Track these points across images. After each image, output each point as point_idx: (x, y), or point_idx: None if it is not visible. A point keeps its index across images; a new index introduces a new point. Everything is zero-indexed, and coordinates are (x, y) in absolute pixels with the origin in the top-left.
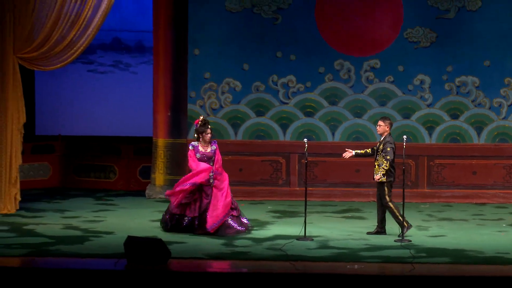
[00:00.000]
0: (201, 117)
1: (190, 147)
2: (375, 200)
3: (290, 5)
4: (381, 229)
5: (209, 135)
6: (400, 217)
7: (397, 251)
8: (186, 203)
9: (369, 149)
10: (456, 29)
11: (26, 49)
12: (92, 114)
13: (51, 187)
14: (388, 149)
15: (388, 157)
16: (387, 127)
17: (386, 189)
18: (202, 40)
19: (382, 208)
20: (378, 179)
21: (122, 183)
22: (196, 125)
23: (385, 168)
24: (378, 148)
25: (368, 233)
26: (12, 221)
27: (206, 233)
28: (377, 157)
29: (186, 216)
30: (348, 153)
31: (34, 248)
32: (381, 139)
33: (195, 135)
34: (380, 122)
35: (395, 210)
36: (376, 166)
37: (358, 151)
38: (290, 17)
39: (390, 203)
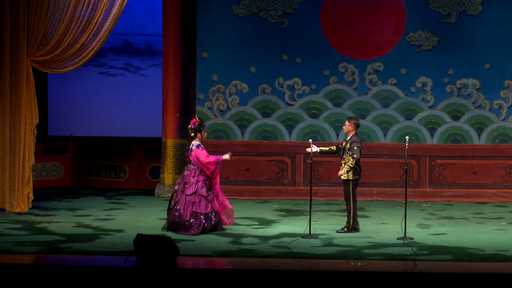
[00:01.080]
0: (197, 117)
1: (200, 147)
2: (378, 199)
3: (296, 9)
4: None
5: (205, 134)
6: (354, 219)
7: (399, 249)
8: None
9: (334, 147)
10: (457, 33)
11: (40, 52)
12: (103, 116)
13: (63, 186)
14: (355, 148)
15: (355, 156)
16: (351, 127)
17: (351, 187)
18: (210, 44)
19: (348, 206)
20: (341, 175)
21: (132, 182)
22: (194, 125)
23: (350, 165)
24: (344, 147)
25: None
26: (25, 219)
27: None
28: (344, 155)
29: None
30: (313, 148)
31: (47, 246)
32: (348, 138)
33: (192, 134)
34: (346, 122)
35: (354, 209)
36: (343, 164)
37: (323, 148)
38: (296, 21)
39: (352, 201)
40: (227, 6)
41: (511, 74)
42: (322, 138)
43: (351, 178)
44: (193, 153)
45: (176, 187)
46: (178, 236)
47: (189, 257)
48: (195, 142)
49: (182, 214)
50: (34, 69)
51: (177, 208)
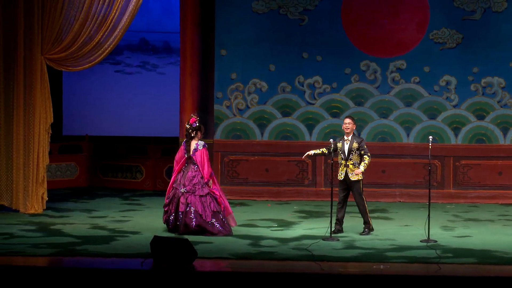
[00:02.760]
0: (196, 116)
1: (206, 146)
2: (401, 200)
3: (316, 6)
4: (341, 227)
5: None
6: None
7: (423, 252)
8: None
9: (325, 149)
10: (482, 30)
11: (54, 50)
12: (119, 115)
13: (78, 187)
14: (365, 146)
15: (369, 154)
16: (354, 126)
17: (361, 186)
18: (229, 41)
19: (345, 207)
20: (358, 174)
21: (149, 183)
22: (195, 124)
23: (368, 164)
24: (351, 148)
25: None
26: (39, 220)
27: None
28: (350, 156)
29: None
30: (308, 153)
31: (61, 248)
32: (348, 137)
33: (193, 134)
34: (350, 120)
35: (366, 207)
36: (350, 166)
37: (316, 151)
38: (316, 18)
39: (365, 201)
40: (246, 3)
41: None
42: None
43: (361, 177)
44: (198, 154)
45: (183, 189)
46: (196, 238)
47: (207, 260)
48: (199, 142)
49: (202, 216)
50: (48, 67)
51: (191, 210)
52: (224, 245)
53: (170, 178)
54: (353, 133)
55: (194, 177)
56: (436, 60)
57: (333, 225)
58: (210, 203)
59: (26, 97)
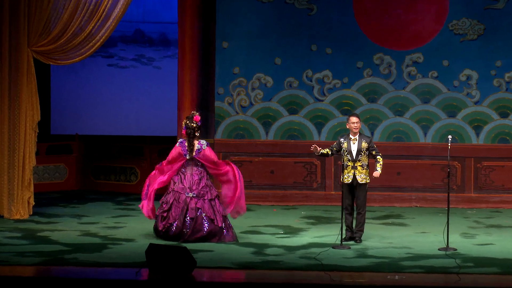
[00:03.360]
0: (198, 113)
1: (209, 145)
2: (418, 205)
3: None
4: (353, 234)
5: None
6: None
7: (441, 261)
8: None
9: (328, 150)
10: (506, 21)
11: (42, 42)
12: (112, 112)
13: (68, 191)
14: (375, 145)
15: (380, 153)
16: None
17: (366, 190)
18: (231, 33)
19: (357, 211)
20: (363, 180)
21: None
22: (200, 122)
23: (382, 164)
24: (359, 148)
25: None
26: (25, 227)
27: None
28: (359, 157)
29: None
30: (317, 149)
31: (49, 257)
32: (355, 137)
33: (197, 133)
34: (358, 119)
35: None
36: (359, 168)
37: (323, 151)
38: (326, 8)
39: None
40: None
41: None
42: None
43: (369, 180)
44: (207, 154)
45: (191, 194)
46: (195, 246)
47: (207, 269)
48: (202, 141)
49: (214, 221)
50: (35, 61)
51: (202, 215)
52: (225, 253)
53: None
54: (359, 132)
55: (200, 180)
56: (455, 53)
57: (344, 231)
58: (219, 206)
59: (11, 93)
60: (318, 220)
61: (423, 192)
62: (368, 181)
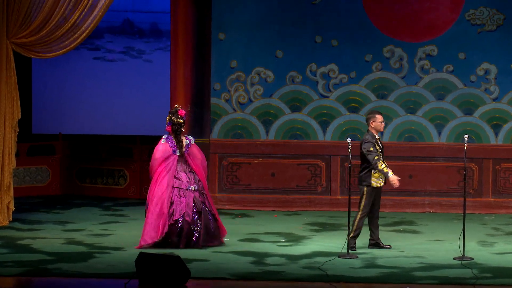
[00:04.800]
0: (181, 107)
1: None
2: (432, 210)
3: None
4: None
5: None
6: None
7: (457, 271)
8: None
9: (382, 162)
10: None
11: (22, 33)
12: (99, 110)
13: (51, 195)
14: None
15: None
16: None
17: None
18: (228, 23)
19: (376, 215)
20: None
21: (134, 190)
22: (186, 117)
23: None
24: (382, 149)
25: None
26: (4, 234)
27: None
28: (383, 159)
29: None
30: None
31: (31, 267)
32: (378, 136)
33: (183, 129)
34: (382, 118)
35: None
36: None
37: (386, 168)
38: None
39: None
40: None
41: None
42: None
43: None
44: (195, 149)
45: (193, 187)
46: (189, 255)
47: (202, 280)
48: (188, 136)
49: (215, 215)
50: (15, 54)
51: (207, 210)
52: (222, 263)
53: None
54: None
55: (192, 175)
56: (473, 45)
57: (348, 241)
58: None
59: None
60: (323, 227)
61: (437, 196)
62: None
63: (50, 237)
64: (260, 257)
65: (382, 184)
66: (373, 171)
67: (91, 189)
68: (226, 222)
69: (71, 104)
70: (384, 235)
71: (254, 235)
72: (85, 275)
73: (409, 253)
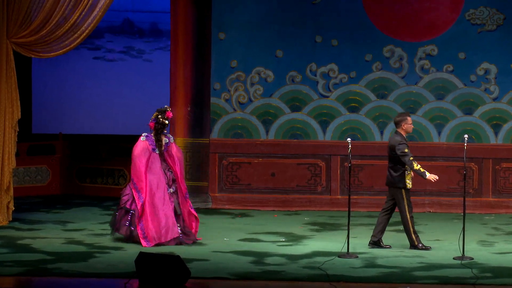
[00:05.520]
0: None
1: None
2: (431, 210)
3: None
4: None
5: None
6: None
7: (457, 271)
8: None
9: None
10: None
11: (22, 33)
12: (99, 109)
13: (51, 195)
14: None
15: None
16: None
17: None
18: (228, 22)
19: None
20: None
21: None
22: (170, 119)
23: None
24: None
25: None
26: (4, 234)
27: None
28: None
29: None
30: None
31: (31, 266)
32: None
33: (165, 130)
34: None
35: None
36: (410, 171)
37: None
38: None
39: None
40: None
41: None
42: (363, 137)
43: None
44: (174, 148)
45: (172, 189)
46: (189, 255)
47: (202, 280)
48: (168, 135)
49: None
50: (15, 53)
51: (181, 216)
52: (222, 263)
53: None
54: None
55: (171, 174)
56: (473, 44)
57: (351, 240)
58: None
59: None
60: (323, 227)
61: (437, 196)
62: None
63: (50, 237)
64: (260, 257)
65: (411, 186)
66: (406, 172)
67: (91, 189)
68: (226, 222)
69: (71, 103)
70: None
71: (254, 235)
72: (85, 275)
73: (409, 253)
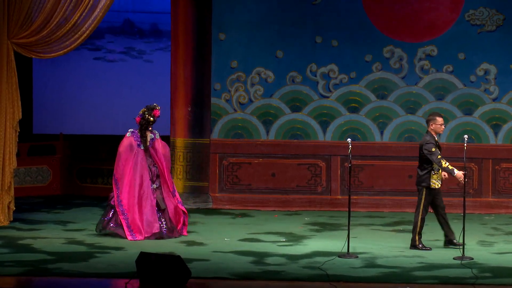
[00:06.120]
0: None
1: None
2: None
3: None
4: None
5: None
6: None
7: (456, 271)
8: None
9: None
10: None
11: (23, 34)
12: (99, 110)
13: (51, 195)
14: None
15: None
16: None
17: None
18: (228, 23)
19: (442, 212)
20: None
21: None
22: (157, 118)
23: None
24: (440, 150)
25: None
26: (5, 234)
27: None
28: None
29: None
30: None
31: (31, 266)
32: (437, 138)
33: (150, 127)
34: (443, 121)
35: None
36: (439, 171)
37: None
38: None
39: None
40: None
41: None
42: (363, 137)
43: None
44: (159, 144)
45: (155, 185)
46: (190, 255)
47: (203, 280)
48: (153, 131)
49: (174, 219)
50: (16, 54)
51: (167, 211)
52: (222, 263)
53: None
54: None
55: (156, 169)
56: (472, 45)
57: (351, 240)
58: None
59: None
60: (323, 227)
61: None
62: None
63: (50, 237)
64: (260, 256)
65: (439, 185)
66: (432, 172)
67: (92, 189)
68: (226, 222)
69: (72, 104)
70: (383, 235)
71: (254, 235)
72: (86, 275)
73: (409, 253)
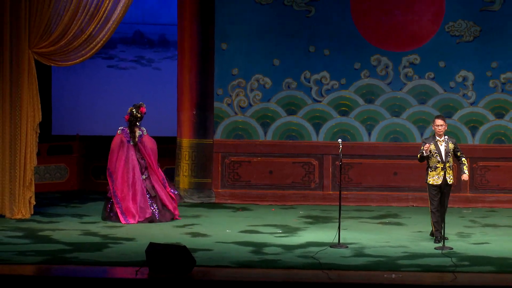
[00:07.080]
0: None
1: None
2: (415, 205)
3: None
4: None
5: None
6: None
7: (437, 260)
8: None
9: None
10: (502, 22)
11: (43, 44)
12: (112, 113)
13: (69, 191)
14: (459, 147)
15: (464, 155)
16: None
17: None
18: (230, 34)
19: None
20: (450, 181)
21: None
22: (145, 114)
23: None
24: (447, 150)
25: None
26: (26, 226)
27: None
28: (448, 158)
29: None
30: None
31: (50, 256)
32: (441, 139)
33: (138, 123)
34: (442, 121)
35: None
36: (448, 169)
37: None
38: (324, 10)
39: None
40: None
41: None
42: (352, 138)
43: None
44: (147, 140)
45: (144, 176)
46: (195, 245)
47: (207, 268)
48: (142, 128)
49: (166, 204)
50: (36, 62)
51: (158, 197)
52: (224, 252)
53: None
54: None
55: (144, 162)
56: (452, 54)
57: (341, 232)
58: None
59: (13, 94)
60: (316, 220)
61: (420, 191)
62: (453, 182)
63: (68, 228)
64: (259, 247)
65: (439, 182)
66: (429, 169)
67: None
68: (228, 215)
69: (87, 107)
70: (371, 227)
71: (253, 227)
72: (100, 263)
73: (394, 243)
